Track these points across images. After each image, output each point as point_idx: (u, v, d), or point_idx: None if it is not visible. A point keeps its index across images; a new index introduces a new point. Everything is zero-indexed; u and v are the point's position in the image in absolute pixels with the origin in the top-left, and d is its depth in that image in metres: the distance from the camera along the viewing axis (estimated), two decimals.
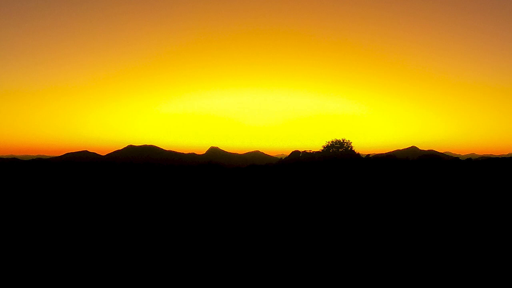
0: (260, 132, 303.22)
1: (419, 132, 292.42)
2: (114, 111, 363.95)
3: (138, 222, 12.34)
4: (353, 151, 55.89)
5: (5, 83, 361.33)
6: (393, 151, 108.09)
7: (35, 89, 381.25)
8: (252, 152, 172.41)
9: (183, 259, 8.65)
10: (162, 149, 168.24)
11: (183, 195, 18.40)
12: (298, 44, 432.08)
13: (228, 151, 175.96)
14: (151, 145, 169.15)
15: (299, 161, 48.22)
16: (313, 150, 62.17)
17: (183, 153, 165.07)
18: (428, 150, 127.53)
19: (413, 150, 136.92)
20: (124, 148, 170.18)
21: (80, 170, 29.03)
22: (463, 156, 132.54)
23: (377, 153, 62.88)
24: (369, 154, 51.42)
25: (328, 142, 57.18)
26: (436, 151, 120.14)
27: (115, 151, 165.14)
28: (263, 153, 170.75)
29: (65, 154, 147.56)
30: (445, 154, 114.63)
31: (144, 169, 31.38)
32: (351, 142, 57.14)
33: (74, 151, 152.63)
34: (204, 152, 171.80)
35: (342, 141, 57.10)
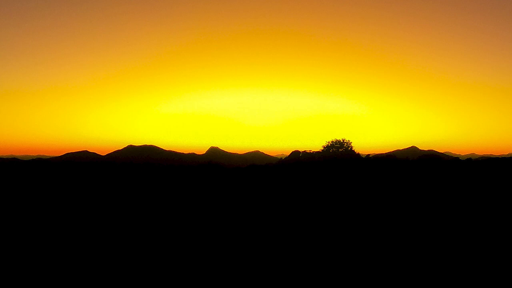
0: (260, 132, 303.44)
1: (419, 132, 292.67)
2: (114, 111, 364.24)
3: (138, 223, 12.34)
4: (353, 151, 55.89)
5: (5, 83, 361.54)
6: (393, 151, 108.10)
7: (35, 89, 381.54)
8: (252, 152, 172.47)
9: (183, 259, 8.65)
10: (162, 149, 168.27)
11: (183, 195, 18.40)
12: (298, 44, 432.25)
13: (228, 151, 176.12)
14: (151, 145, 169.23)
15: (299, 161, 48.22)
16: (313, 150, 62.18)
17: (183, 153, 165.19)
18: (428, 150, 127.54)
19: (413, 150, 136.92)
20: (124, 148, 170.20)
21: (80, 170, 29.02)
22: (463, 156, 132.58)
23: (377, 153, 62.89)
24: (369, 154, 51.43)
25: (328, 142, 57.19)
26: (436, 151, 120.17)
27: (115, 151, 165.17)
28: (263, 153, 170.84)
29: (65, 154, 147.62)
30: (445, 154, 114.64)
31: (144, 169, 31.38)
32: (351, 142, 57.15)
33: (74, 151, 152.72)
34: (204, 152, 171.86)
35: (342, 141, 57.10)
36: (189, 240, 10.19)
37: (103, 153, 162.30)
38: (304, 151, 64.51)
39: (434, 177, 24.11)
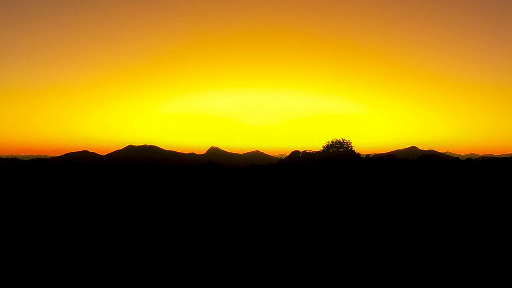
0: (260, 132, 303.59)
1: (419, 132, 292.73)
2: (114, 111, 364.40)
3: (138, 222, 12.34)
4: (353, 151, 55.89)
5: (5, 83, 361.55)
6: (393, 151, 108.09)
7: (35, 89, 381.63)
8: (252, 152, 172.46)
9: (183, 259, 8.65)
10: (162, 149, 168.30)
11: (183, 195, 18.40)
12: (298, 44, 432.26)
13: (228, 151, 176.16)
14: (151, 145, 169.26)
15: (299, 161, 48.23)
16: (313, 150, 62.17)
17: (183, 153, 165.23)
18: (428, 150, 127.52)
19: (413, 150, 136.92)
20: (124, 148, 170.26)
21: (80, 170, 29.02)
22: (463, 156, 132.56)
23: (377, 153, 62.89)
24: (369, 154, 51.43)
25: (328, 142, 57.19)
26: (436, 151, 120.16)
27: (115, 151, 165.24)
28: (263, 153, 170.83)
29: (65, 154, 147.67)
30: (445, 154, 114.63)
31: (144, 169, 31.38)
32: (351, 142, 57.15)
33: (74, 151, 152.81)
34: (204, 152, 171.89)
35: (342, 141, 57.10)
36: (189, 240, 10.19)
37: (103, 153, 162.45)
38: (304, 151, 64.50)
39: (434, 177, 24.11)
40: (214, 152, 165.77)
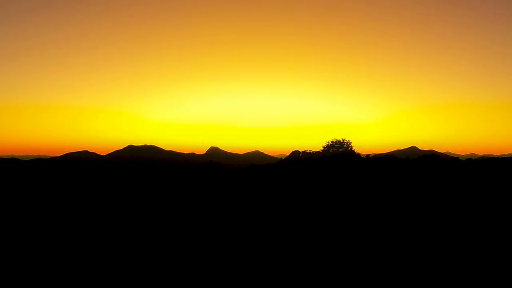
0: (260, 133, 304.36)
1: (419, 132, 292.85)
2: (114, 111, 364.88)
3: (138, 222, 12.34)
4: (353, 151, 55.80)
5: (5, 83, 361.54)
6: (393, 151, 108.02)
7: (35, 89, 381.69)
8: (252, 152, 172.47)
9: (183, 258, 8.64)
10: (162, 149, 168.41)
11: (184, 194, 18.40)
12: (298, 44, 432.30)
13: (228, 151, 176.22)
14: (151, 145, 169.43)
15: (299, 161, 48.21)
16: (313, 150, 62.07)
17: (183, 153, 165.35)
18: (428, 150, 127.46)
19: (413, 150, 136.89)
20: (124, 148, 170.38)
21: (80, 170, 29.03)
22: (463, 156, 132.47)
23: (377, 153, 62.83)
24: (369, 154, 51.39)
25: (328, 142, 57.10)
26: (436, 151, 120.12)
27: (115, 151, 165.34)
28: (263, 153, 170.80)
29: (65, 154, 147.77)
30: (445, 154, 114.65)
31: (144, 168, 31.38)
32: (351, 142, 57.06)
33: (74, 151, 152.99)
34: (204, 152, 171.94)
35: (342, 141, 57.02)
36: (189, 239, 10.19)
37: (103, 153, 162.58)
38: (304, 151, 64.36)
39: (434, 177, 24.10)
40: (214, 152, 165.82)
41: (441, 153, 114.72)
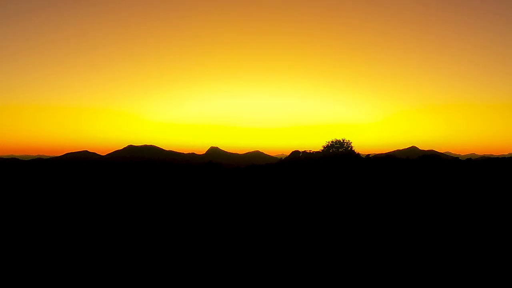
0: (260, 133, 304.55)
1: (419, 132, 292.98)
2: (114, 111, 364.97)
3: (138, 222, 12.34)
4: (353, 151, 55.80)
5: (5, 83, 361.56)
6: (393, 151, 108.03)
7: (35, 89, 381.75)
8: (252, 152, 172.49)
9: (183, 258, 8.65)
10: (162, 149, 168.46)
11: (184, 194, 18.40)
12: (298, 44, 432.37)
13: (228, 151, 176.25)
14: (151, 145, 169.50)
15: (299, 161, 48.23)
16: (313, 150, 62.06)
17: (183, 153, 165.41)
18: (428, 150, 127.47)
19: (413, 150, 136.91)
20: (124, 148, 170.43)
21: (80, 170, 29.04)
22: (463, 156, 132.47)
23: (377, 153, 62.84)
24: (369, 154, 51.41)
25: (328, 142, 57.13)
26: (436, 151, 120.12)
27: (115, 151, 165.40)
28: (263, 153, 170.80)
29: (65, 154, 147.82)
30: (445, 154, 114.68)
31: (144, 168, 31.39)
32: (351, 142, 57.07)
33: (74, 151, 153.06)
34: (204, 152, 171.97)
35: (342, 141, 57.04)
36: (189, 239, 10.19)
37: (103, 153, 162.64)
38: (304, 151, 64.36)
39: (434, 177, 24.11)
40: (214, 152, 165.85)
41: (441, 153, 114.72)
